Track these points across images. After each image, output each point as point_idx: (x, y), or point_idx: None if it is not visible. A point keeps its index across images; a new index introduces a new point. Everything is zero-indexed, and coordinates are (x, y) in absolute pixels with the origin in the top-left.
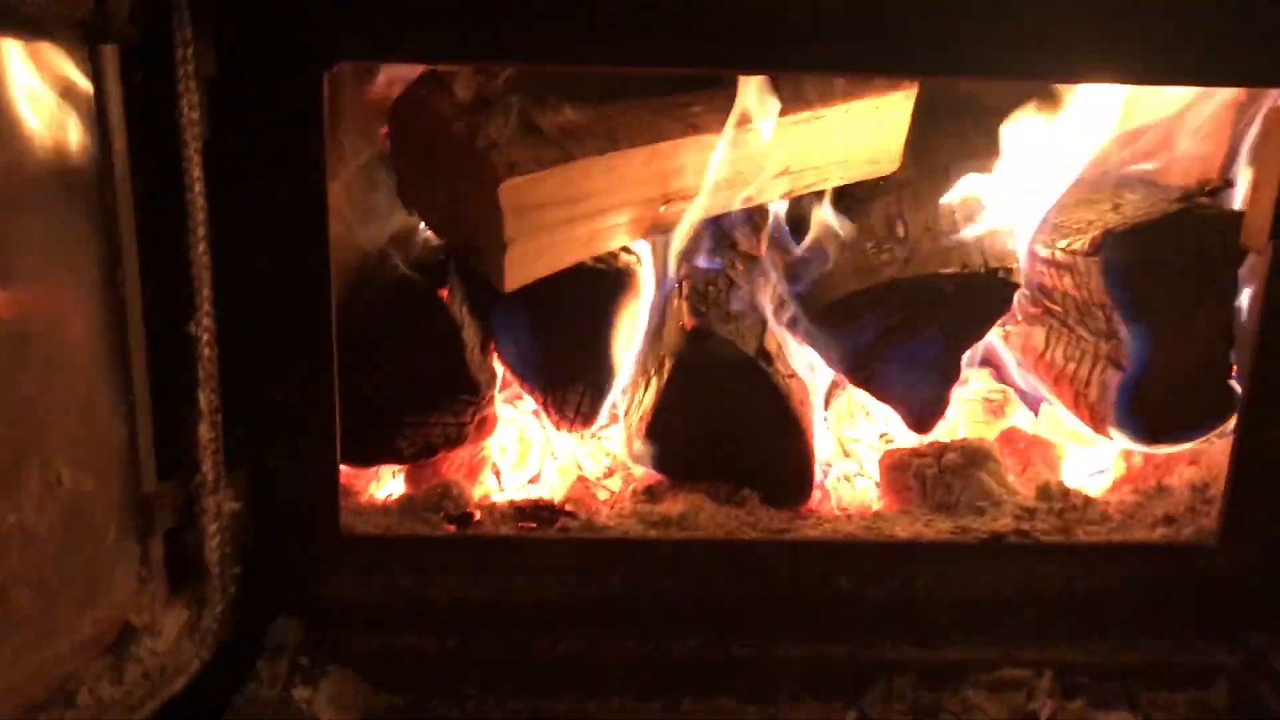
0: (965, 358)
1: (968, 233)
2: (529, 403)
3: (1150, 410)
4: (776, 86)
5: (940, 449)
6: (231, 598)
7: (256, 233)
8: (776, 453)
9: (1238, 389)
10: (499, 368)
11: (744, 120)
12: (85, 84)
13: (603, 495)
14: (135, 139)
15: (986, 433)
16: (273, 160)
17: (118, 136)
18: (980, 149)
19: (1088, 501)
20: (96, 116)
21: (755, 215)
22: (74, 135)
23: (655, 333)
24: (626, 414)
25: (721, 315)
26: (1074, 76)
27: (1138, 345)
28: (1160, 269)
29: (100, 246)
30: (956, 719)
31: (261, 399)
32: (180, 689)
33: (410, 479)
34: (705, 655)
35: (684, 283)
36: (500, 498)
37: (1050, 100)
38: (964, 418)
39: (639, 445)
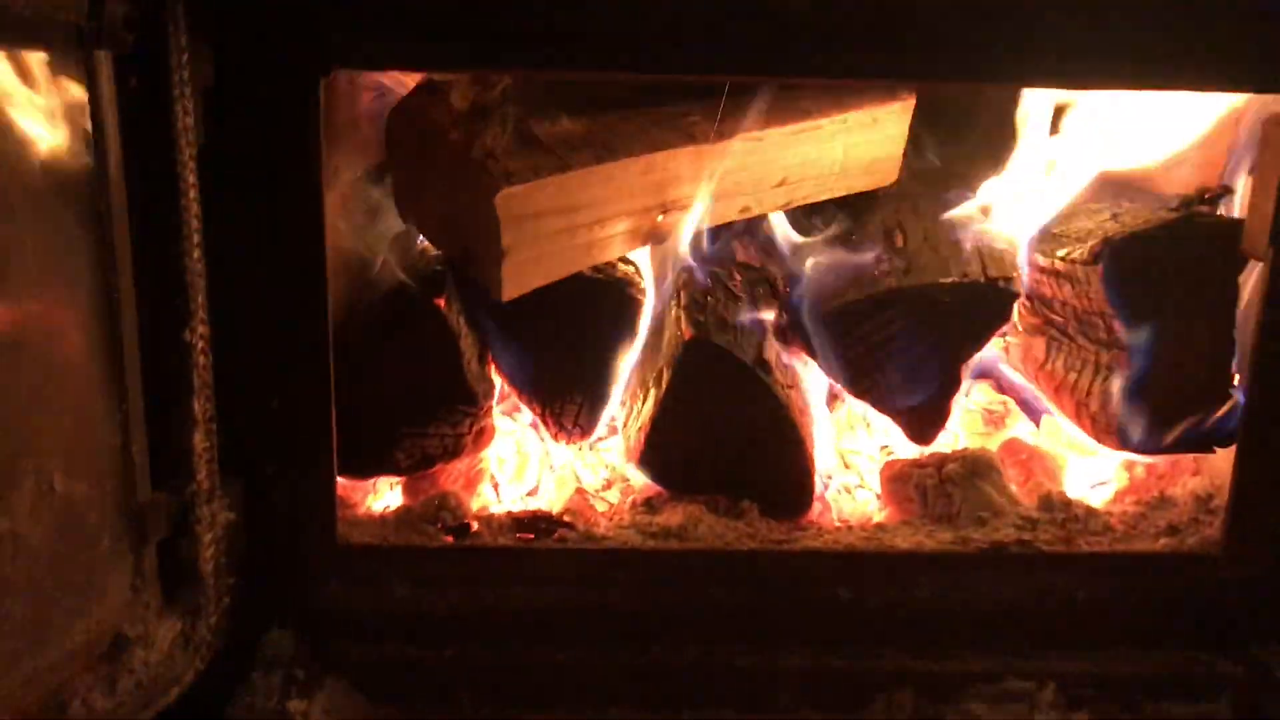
0: (965, 368)
1: (967, 243)
2: (527, 414)
3: (1152, 419)
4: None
5: (941, 459)
6: (226, 608)
7: (252, 240)
8: (776, 464)
9: (1240, 398)
10: (497, 379)
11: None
12: (80, 90)
13: (601, 507)
14: (130, 146)
15: (987, 444)
16: (268, 168)
17: (112, 143)
18: (980, 159)
19: (1090, 512)
20: (91, 123)
21: (754, 225)
22: (68, 142)
23: (653, 343)
24: (625, 425)
25: (720, 325)
26: (1073, 83)
27: (1139, 354)
28: (1160, 277)
29: (94, 253)
30: None
31: (257, 408)
32: (174, 700)
33: (408, 490)
34: (704, 666)
35: (682, 292)
36: (498, 509)
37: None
38: (965, 429)
39: (637, 456)
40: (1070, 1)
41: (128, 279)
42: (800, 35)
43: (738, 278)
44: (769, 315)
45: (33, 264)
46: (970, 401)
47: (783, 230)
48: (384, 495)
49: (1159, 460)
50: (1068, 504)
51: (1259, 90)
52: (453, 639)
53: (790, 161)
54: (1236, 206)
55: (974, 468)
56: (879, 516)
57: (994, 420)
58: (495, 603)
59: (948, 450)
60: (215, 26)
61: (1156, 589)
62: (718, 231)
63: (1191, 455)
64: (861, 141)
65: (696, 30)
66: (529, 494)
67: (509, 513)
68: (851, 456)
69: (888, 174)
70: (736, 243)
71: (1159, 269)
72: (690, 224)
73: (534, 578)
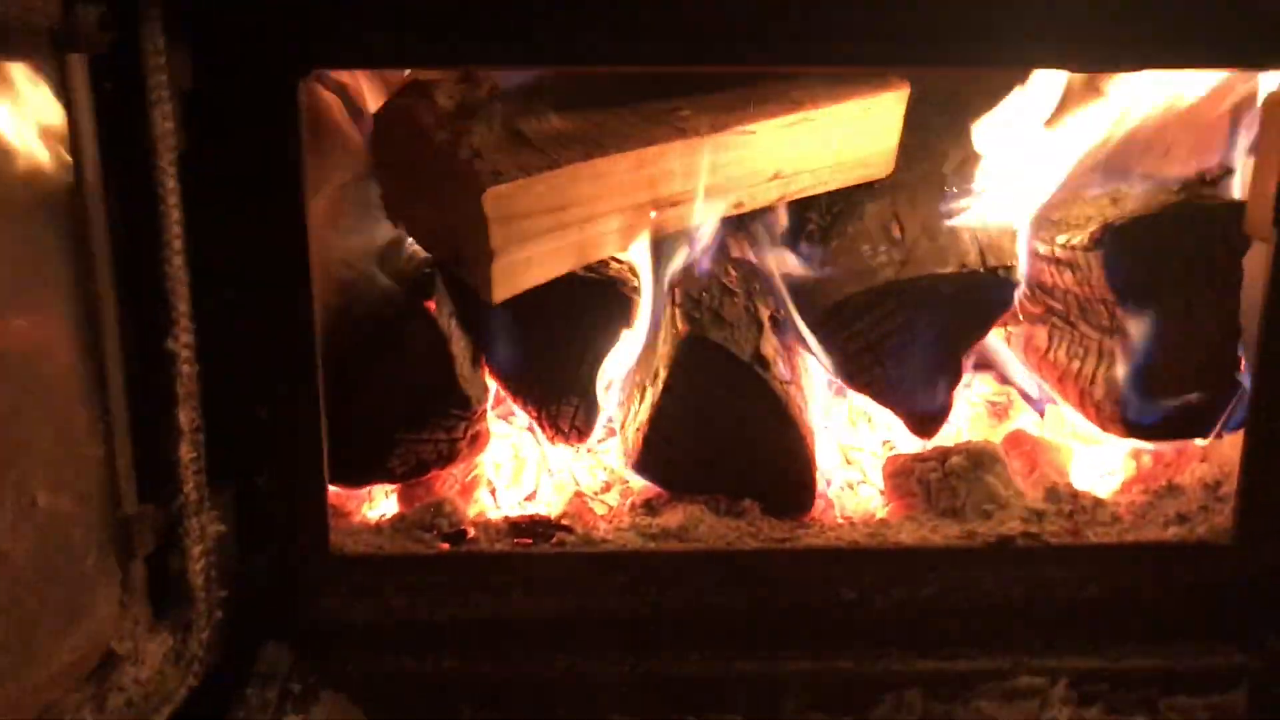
0: (966, 359)
1: (965, 232)
2: (523, 418)
3: (1157, 406)
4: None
5: (944, 453)
6: (218, 622)
7: (236, 246)
8: (776, 461)
9: (1246, 383)
10: (491, 382)
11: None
12: (54, 95)
13: (600, 509)
14: (108, 151)
15: (991, 436)
16: (250, 171)
17: (89, 148)
18: (975, 147)
19: (1097, 503)
20: (67, 128)
21: (748, 220)
22: (44, 147)
23: (649, 342)
24: (623, 426)
25: (716, 321)
26: (1066, 64)
27: (1142, 340)
28: (1162, 261)
29: (73, 261)
30: None
31: (245, 417)
32: (166, 718)
33: (403, 498)
34: (707, 671)
35: (677, 290)
36: (496, 514)
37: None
38: (967, 421)
39: (635, 457)
40: None
41: (108, 287)
42: (790, 20)
43: (733, 273)
44: (766, 310)
45: (8, 273)
46: (972, 393)
47: (778, 224)
48: (379, 503)
49: (1166, 448)
50: (1074, 495)
51: (1258, 68)
52: (452, 648)
53: (783, 155)
54: (1237, 188)
55: (978, 460)
56: (882, 512)
57: (997, 412)
58: (494, 610)
59: (950, 443)
60: (192, 28)
61: (1167, 580)
62: (713, 226)
63: (1199, 442)
64: (855, 133)
65: (684, 20)
66: (527, 498)
67: (506, 518)
68: (853, 452)
69: (883, 165)
70: (731, 238)
71: (1161, 253)
72: (684, 220)
73: (533, 583)
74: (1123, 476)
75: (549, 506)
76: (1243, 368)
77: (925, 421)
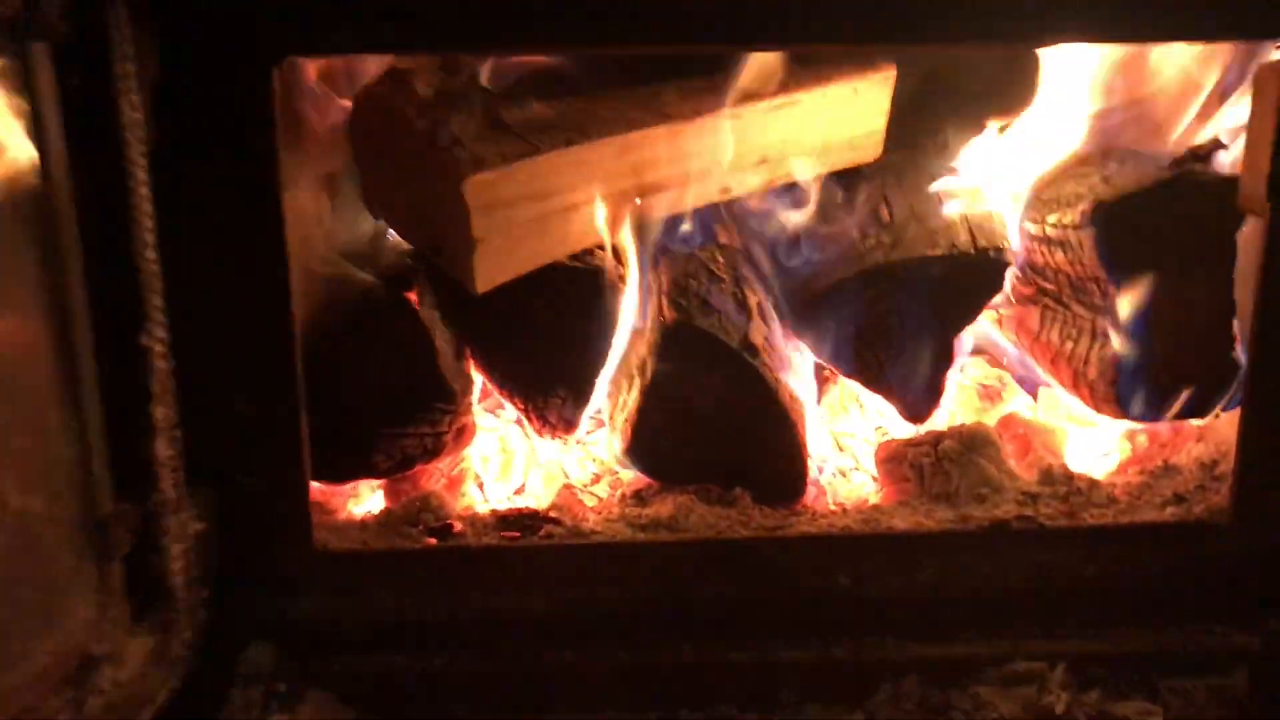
0: (958, 342)
1: (955, 213)
2: (510, 410)
3: (1152, 386)
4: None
5: (937, 437)
6: (200, 622)
7: (210, 239)
8: (767, 448)
9: (1242, 360)
10: (477, 375)
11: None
12: (18, 85)
13: (590, 501)
14: (75, 142)
15: (984, 419)
16: (224, 163)
17: (54, 139)
18: (964, 126)
19: (1093, 484)
20: (32, 119)
21: (735, 206)
22: (7, 139)
23: (636, 331)
24: (611, 417)
25: (703, 308)
26: (1056, 36)
27: (1135, 319)
28: (1155, 238)
29: (42, 256)
30: (968, 717)
31: (225, 413)
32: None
33: (389, 493)
34: (701, 662)
35: (663, 277)
36: (483, 508)
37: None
38: (960, 405)
39: (624, 448)
40: None
41: (77, 282)
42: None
43: (721, 260)
44: (754, 297)
45: None
46: (965, 376)
47: (765, 210)
48: (365, 499)
49: (1161, 428)
50: (1069, 477)
51: (1249, 38)
52: (440, 645)
53: (770, 139)
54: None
55: (971, 443)
56: (875, 498)
57: (990, 394)
58: (482, 605)
59: (943, 427)
60: (160, 15)
61: (1165, 561)
62: (698, 213)
63: (1195, 421)
64: (842, 115)
65: (667, 1)
66: (515, 492)
67: (494, 511)
68: (845, 438)
69: (871, 148)
70: (718, 224)
71: (1153, 230)
72: (669, 207)
73: (521, 577)
74: (1118, 457)
75: (537, 499)
76: (1238, 345)
77: (917, 406)
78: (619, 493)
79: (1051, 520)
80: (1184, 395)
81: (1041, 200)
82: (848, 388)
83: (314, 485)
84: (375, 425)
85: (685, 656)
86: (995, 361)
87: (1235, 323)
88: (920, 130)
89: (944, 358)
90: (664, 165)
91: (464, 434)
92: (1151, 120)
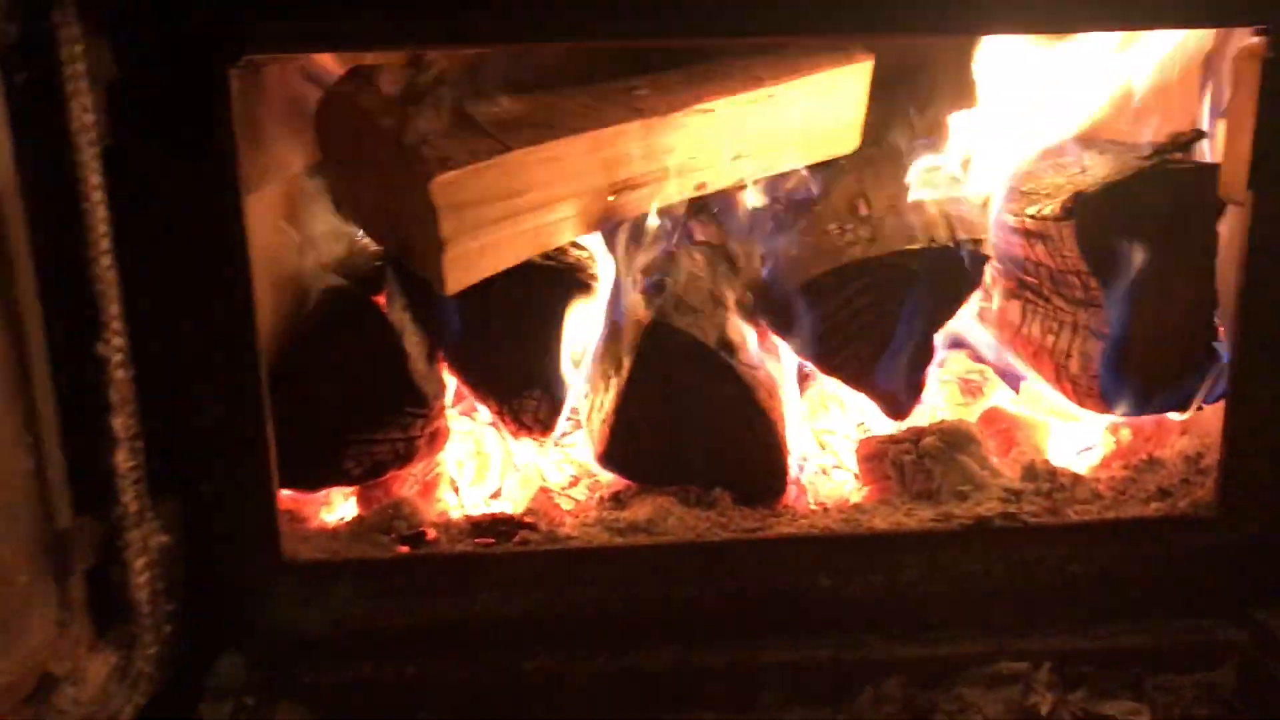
0: (938, 337)
1: (933, 207)
2: (485, 413)
3: (1135, 379)
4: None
5: (918, 434)
6: (166, 637)
7: (169, 243)
8: (746, 448)
9: (1224, 351)
10: (450, 378)
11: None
12: None
13: (567, 505)
14: (23, 145)
15: (966, 415)
16: (181, 165)
17: (3, 142)
18: (941, 119)
19: (1076, 479)
20: None
21: (711, 202)
22: None
23: (612, 330)
24: (588, 418)
25: (679, 307)
26: (1028, 26)
27: (1117, 311)
28: (1135, 229)
29: None
30: (952, 719)
31: (188, 423)
32: None
33: (362, 500)
34: (681, 666)
35: (639, 276)
36: (458, 514)
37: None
38: (942, 400)
39: (602, 449)
40: None
41: (29, 290)
42: None
43: (697, 257)
44: (731, 294)
45: None
46: (946, 372)
47: (743, 205)
48: (338, 506)
49: (1145, 421)
50: (1052, 473)
51: (1225, 25)
52: (413, 654)
53: (745, 133)
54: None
55: (952, 440)
56: (857, 497)
57: (972, 390)
58: (456, 613)
59: (924, 424)
60: (111, 14)
61: (1150, 556)
62: (675, 209)
63: (1178, 414)
64: (819, 108)
65: None
66: (492, 496)
67: (468, 517)
68: (826, 436)
69: (848, 141)
70: (694, 221)
71: (1134, 221)
72: (644, 203)
73: (496, 584)
74: (1102, 452)
75: (514, 503)
76: (1221, 336)
77: (898, 402)
78: (597, 495)
79: (1035, 517)
80: (1167, 389)
81: (1021, 192)
82: (829, 384)
83: (284, 493)
84: (345, 431)
85: (664, 661)
86: (977, 356)
87: (1217, 314)
88: (899, 121)
89: (924, 353)
90: (637, 161)
91: (437, 438)
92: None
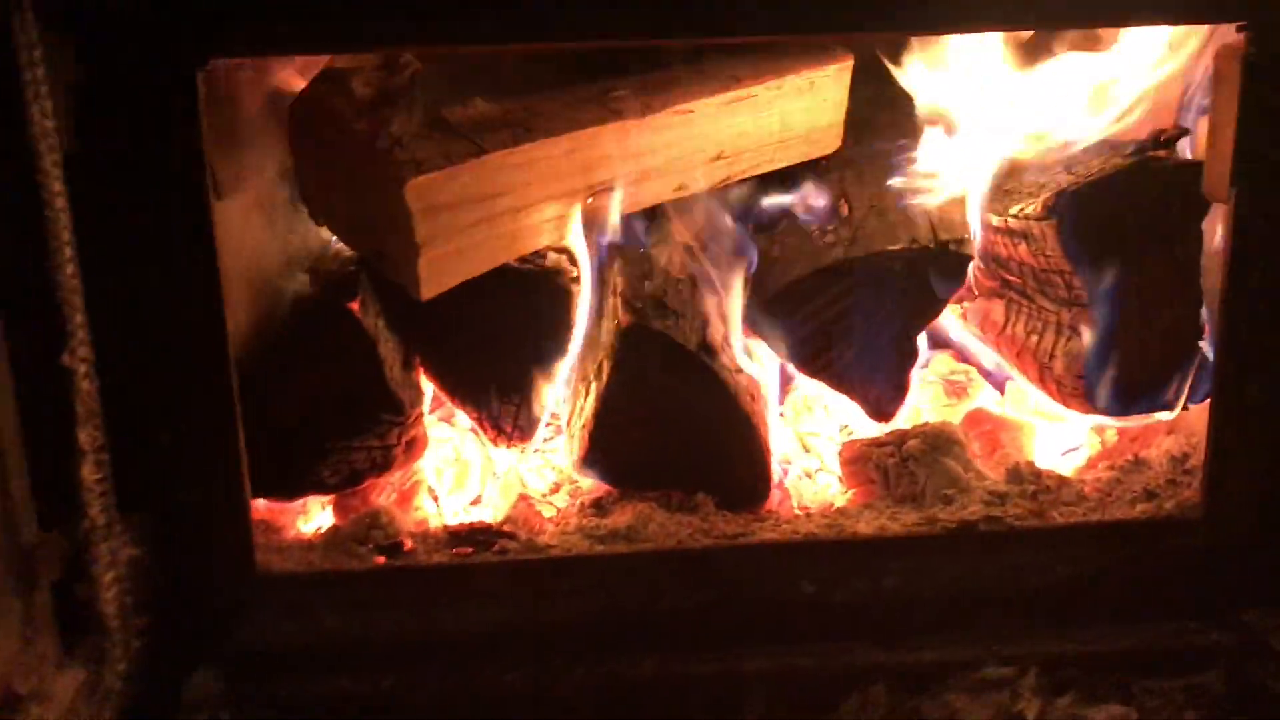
0: (922, 338)
1: (915, 207)
2: (464, 419)
3: (1119, 379)
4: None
5: (901, 436)
6: (137, 652)
7: (136, 253)
8: (728, 452)
9: (1209, 350)
10: (428, 384)
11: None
12: None
13: (548, 512)
14: None
15: (951, 415)
16: (148, 172)
17: None
18: (922, 118)
19: (1061, 481)
20: None
21: (692, 203)
22: None
23: (592, 334)
24: (569, 424)
25: (659, 310)
26: (1008, 22)
27: (1101, 311)
28: (1119, 228)
29: None
30: None
31: (157, 433)
32: None
33: (339, 510)
34: (663, 675)
35: (618, 279)
36: (436, 523)
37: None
38: (926, 402)
39: (582, 455)
40: None
41: None
42: None
43: (677, 259)
44: (712, 297)
45: None
46: (930, 373)
47: (722, 207)
48: (315, 516)
49: (1130, 422)
50: (1037, 474)
51: (1205, 21)
52: (390, 667)
53: (725, 134)
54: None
55: (936, 443)
56: (841, 501)
57: (956, 391)
58: (434, 625)
59: (908, 426)
60: (73, 16)
61: (1137, 559)
62: (654, 212)
63: (1165, 415)
64: (800, 108)
65: None
66: (472, 503)
67: (446, 527)
68: (810, 439)
69: (830, 141)
70: (674, 222)
71: (1117, 219)
72: (623, 205)
73: (474, 595)
74: (1087, 452)
75: (494, 510)
76: (1206, 335)
77: (882, 405)
78: (578, 502)
79: (1020, 520)
80: (1152, 389)
81: (1003, 191)
82: (812, 387)
83: (259, 503)
84: (320, 439)
85: (646, 671)
86: (961, 356)
87: (1203, 312)
88: (880, 121)
89: (908, 354)
90: (615, 163)
91: (415, 446)
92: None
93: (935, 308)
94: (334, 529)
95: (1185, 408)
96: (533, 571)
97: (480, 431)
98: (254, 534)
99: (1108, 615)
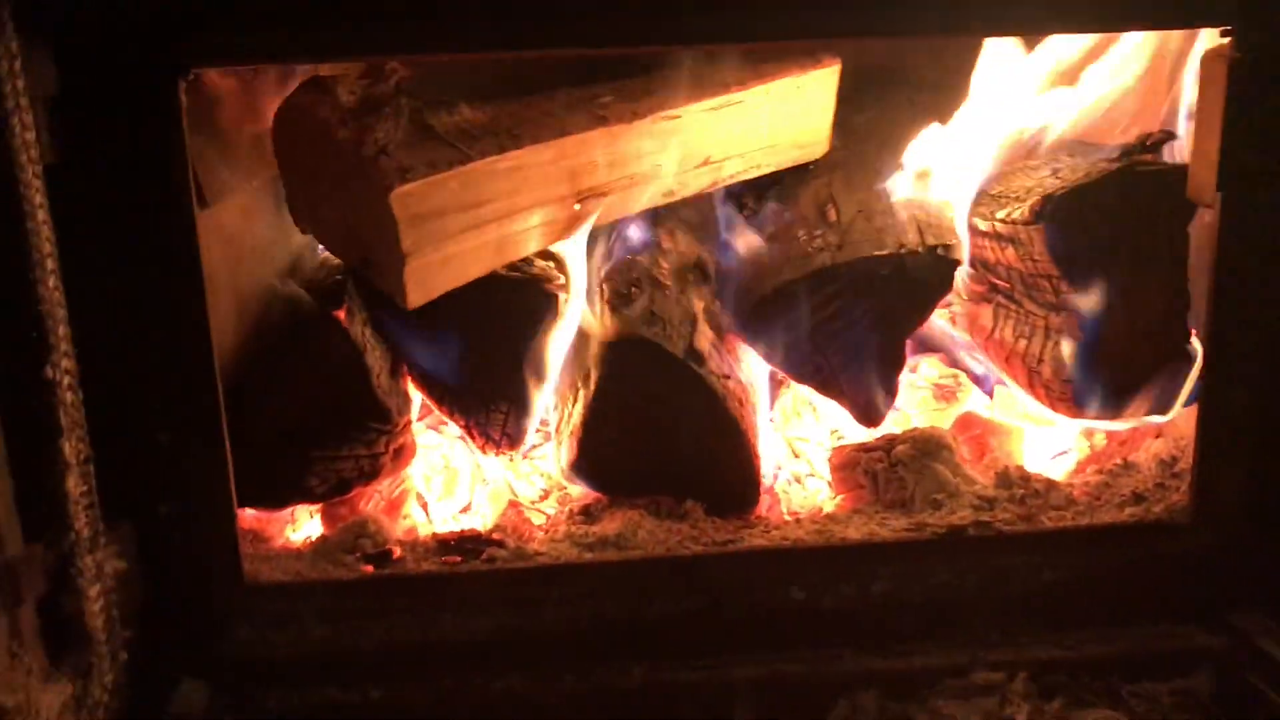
0: (910, 343)
1: (903, 212)
2: (453, 427)
3: (1108, 382)
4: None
5: (890, 441)
6: (124, 664)
7: (119, 262)
8: (716, 459)
9: (1197, 353)
10: (416, 392)
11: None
12: None
13: (538, 520)
14: None
15: (940, 421)
16: (130, 181)
17: None
18: (910, 123)
19: (1050, 485)
20: None
21: (679, 209)
22: None
23: (580, 341)
24: (557, 431)
25: (647, 317)
26: (998, 29)
27: (1089, 315)
28: (1106, 232)
29: None
30: None
31: (142, 445)
32: None
33: (327, 518)
34: (652, 683)
35: (606, 285)
36: (425, 531)
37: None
38: (915, 407)
39: (571, 462)
40: None
41: None
42: None
43: (665, 265)
44: (700, 302)
45: None
46: (919, 378)
47: (710, 213)
48: (303, 525)
49: (1119, 425)
50: (1026, 479)
51: (1192, 26)
52: (379, 677)
53: (713, 139)
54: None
55: (925, 448)
56: (830, 507)
57: (945, 395)
58: (423, 634)
59: (898, 431)
60: (53, 26)
61: (1126, 562)
62: (642, 218)
63: (1152, 418)
64: (787, 113)
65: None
66: (462, 511)
67: (434, 535)
68: (800, 444)
69: (817, 146)
70: (662, 228)
71: (1104, 223)
72: (610, 212)
73: (464, 603)
74: (1076, 456)
75: (484, 518)
76: (1194, 339)
77: (870, 409)
78: (567, 509)
79: (1009, 525)
80: (1140, 392)
81: (990, 195)
82: (802, 392)
83: (247, 513)
84: (307, 448)
85: (635, 678)
86: (950, 361)
87: (1190, 316)
88: (867, 126)
89: (896, 359)
90: (603, 169)
91: (403, 454)
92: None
93: (923, 312)
94: (322, 538)
95: (1174, 411)
96: (522, 580)
97: (469, 439)
98: (241, 544)
99: (1096, 619)
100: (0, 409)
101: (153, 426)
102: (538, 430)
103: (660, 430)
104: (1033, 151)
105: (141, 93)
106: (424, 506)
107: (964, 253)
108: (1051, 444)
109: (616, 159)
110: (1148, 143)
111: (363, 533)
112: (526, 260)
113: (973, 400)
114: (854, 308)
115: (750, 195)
